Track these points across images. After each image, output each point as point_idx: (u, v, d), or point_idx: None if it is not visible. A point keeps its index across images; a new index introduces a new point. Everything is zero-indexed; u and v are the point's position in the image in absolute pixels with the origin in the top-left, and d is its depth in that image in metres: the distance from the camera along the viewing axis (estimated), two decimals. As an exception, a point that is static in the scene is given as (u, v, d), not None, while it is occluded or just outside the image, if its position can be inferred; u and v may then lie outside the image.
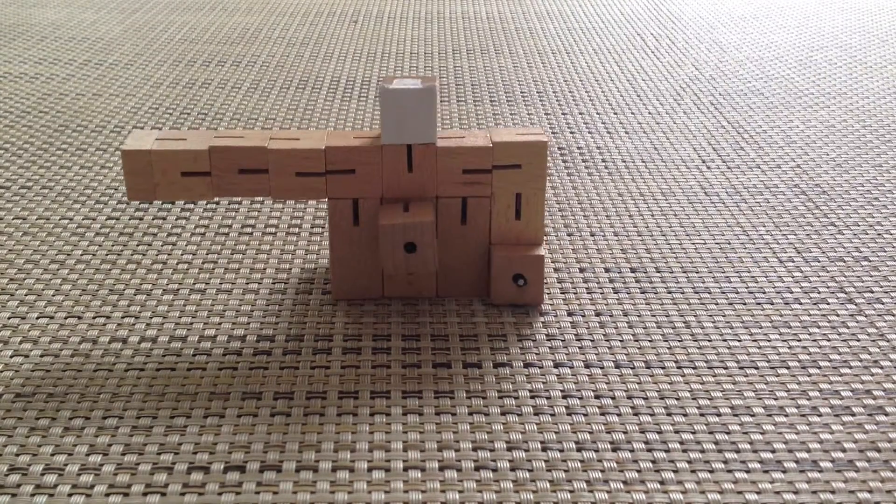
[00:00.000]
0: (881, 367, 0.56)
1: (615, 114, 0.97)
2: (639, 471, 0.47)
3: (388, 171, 0.59)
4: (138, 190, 0.58)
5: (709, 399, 0.53)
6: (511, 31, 1.30)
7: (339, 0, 1.47)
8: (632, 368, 0.55)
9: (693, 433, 0.50)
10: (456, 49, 1.21)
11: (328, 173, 0.58)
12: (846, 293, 0.64)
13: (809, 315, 0.61)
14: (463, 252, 0.61)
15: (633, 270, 0.66)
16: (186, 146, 0.58)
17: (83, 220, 0.73)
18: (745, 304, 0.62)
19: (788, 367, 0.56)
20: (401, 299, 0.62)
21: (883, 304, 0.63)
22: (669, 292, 0.63)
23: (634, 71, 1.12)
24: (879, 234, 0.72)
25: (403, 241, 0.57)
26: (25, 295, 0.62)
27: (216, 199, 0.68)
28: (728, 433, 0.50)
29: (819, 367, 0.56)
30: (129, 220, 0.73)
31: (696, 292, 0.63)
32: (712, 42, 1.26)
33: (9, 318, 0.59)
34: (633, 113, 0.98)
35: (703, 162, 0.85)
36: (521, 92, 1.04)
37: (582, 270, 0.66)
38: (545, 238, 0.71)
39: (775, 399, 0.53)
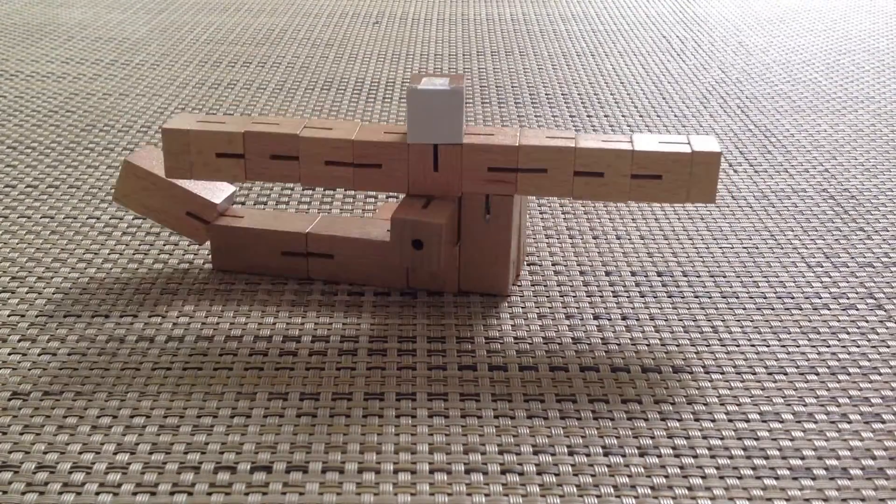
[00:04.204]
0: (912, 375, 0.55)
1: (640, 117, 0.97)
2: (666, 476, 0.47)
3: (413, 169, 0.59)
4: (175, 168, 0.61)
5: (737, 405, 0.52)
6: (535, 34, 1.30)
7: (364, 2, 1.48)
8: (658, 373, 0.55)
9: (721, 439, 0.49)
10: (480, 51, 1.21)
11: (355, 165, 0.59)
12: (875, 299, 0.63)
13: (838, 321, 0.61)
14: (486, 248, 0.61)
15: (659, 274, 0.66)
16: (223, 129, 0.60)
17: (110, 219, 0.73)
18: (772, 308, 0.62)
19: (817, 373, 0.55)
20: (425, 302, 0.62)
21: (913, 310, 0.62)
22: (696, 296, 0.63)
23: (660, 73, 1.12)
24: (909, 240, 0.71)
25: (412, 237, 0.57)
26: (53, 293, 0.62)
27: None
28: (757, 439, 0.49)
29: (848, 374, 0.55)
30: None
31: (724, 297, 0.63)
32: (738, 45, 1.25)
33: (36, 317, 0.60)
34: (658, 116, 0.97)
35: (730, 165, 0.85)
36: (546, 94, 1.04)
37: (608, 274, 0.66)
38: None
39: (804, 405, 0.52)
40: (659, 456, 0.48)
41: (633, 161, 0.57)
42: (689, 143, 0.58)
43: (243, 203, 0.76)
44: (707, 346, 0.58)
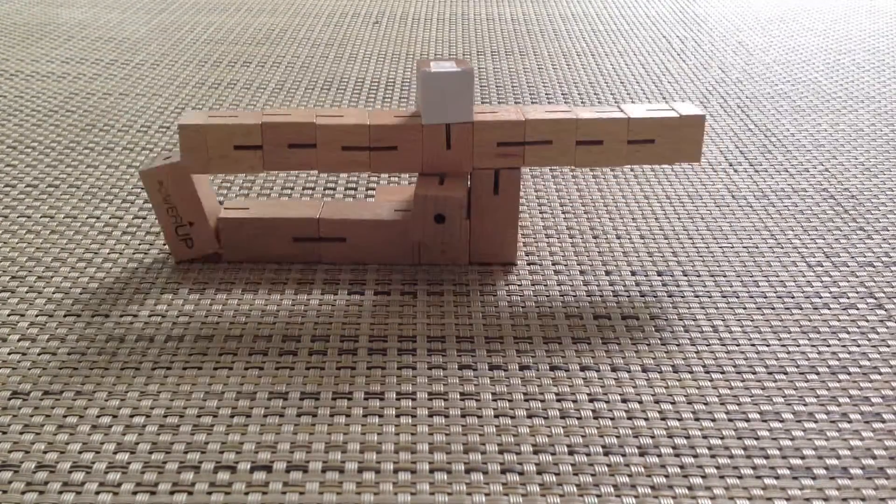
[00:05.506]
0: (912, 374, 0.55)
1: (641, 116, 0.97)
2: (666, 476, 0.47)
3: (427, 148, 0.62)
4: (192, 165, 0.62)
5: (737, 404, 0.52)
6: (536, 33, 1.30)
7: (364, 2, 1.48)
8: (659, 372, 0.55)
9: (721, 438, 0.49)
10: (480, 51, 1.21)
11: (372, 149, 0.62)
12: (875, 298, 0.63)
13: (838, 320, 0.61)
14: (494, 221, 0.64)
15: (659, 274, 0.66)
16: (239, 122, 0.62)
17: (110, 218, 0.73)
18: (773, 308, 0.62)
19: (818, 373, 0.55)
20: (426, 301, 0.62)
21: (913, 309, 0.62)
22: (696, 296, 0.63)
23: (660, 73, 1.12)
24: (909, 239, 0.71)
25: (434, 212, 0.61)
26: (53, 293, 0.62)
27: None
28: (757, 439, 0.49)
29: (849, 373, 0.55)
30: (157, 218, 0.73)
31: (724, 296, 0.63)
32: (738, 44, 1.25)
33: (36, 316, 0.60)
34: (658, 115, 0.97)
35: (731, 165, 0.85)
36: (546, 94, 1.04)
37: (608, 273, 0.66)
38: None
39: (804, 405, 0.52)
40: (659, 455, 0.48)
41: (630, 128, 0.63)
42: (674, 110, 0.64)
43: (246, 195, 0.76)
44: (707, 345, 0.58)
